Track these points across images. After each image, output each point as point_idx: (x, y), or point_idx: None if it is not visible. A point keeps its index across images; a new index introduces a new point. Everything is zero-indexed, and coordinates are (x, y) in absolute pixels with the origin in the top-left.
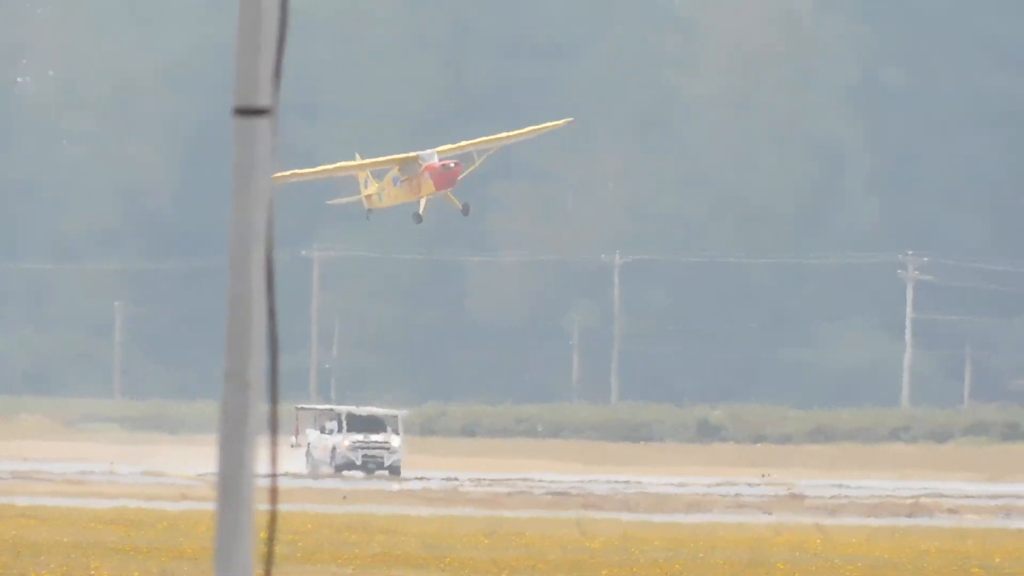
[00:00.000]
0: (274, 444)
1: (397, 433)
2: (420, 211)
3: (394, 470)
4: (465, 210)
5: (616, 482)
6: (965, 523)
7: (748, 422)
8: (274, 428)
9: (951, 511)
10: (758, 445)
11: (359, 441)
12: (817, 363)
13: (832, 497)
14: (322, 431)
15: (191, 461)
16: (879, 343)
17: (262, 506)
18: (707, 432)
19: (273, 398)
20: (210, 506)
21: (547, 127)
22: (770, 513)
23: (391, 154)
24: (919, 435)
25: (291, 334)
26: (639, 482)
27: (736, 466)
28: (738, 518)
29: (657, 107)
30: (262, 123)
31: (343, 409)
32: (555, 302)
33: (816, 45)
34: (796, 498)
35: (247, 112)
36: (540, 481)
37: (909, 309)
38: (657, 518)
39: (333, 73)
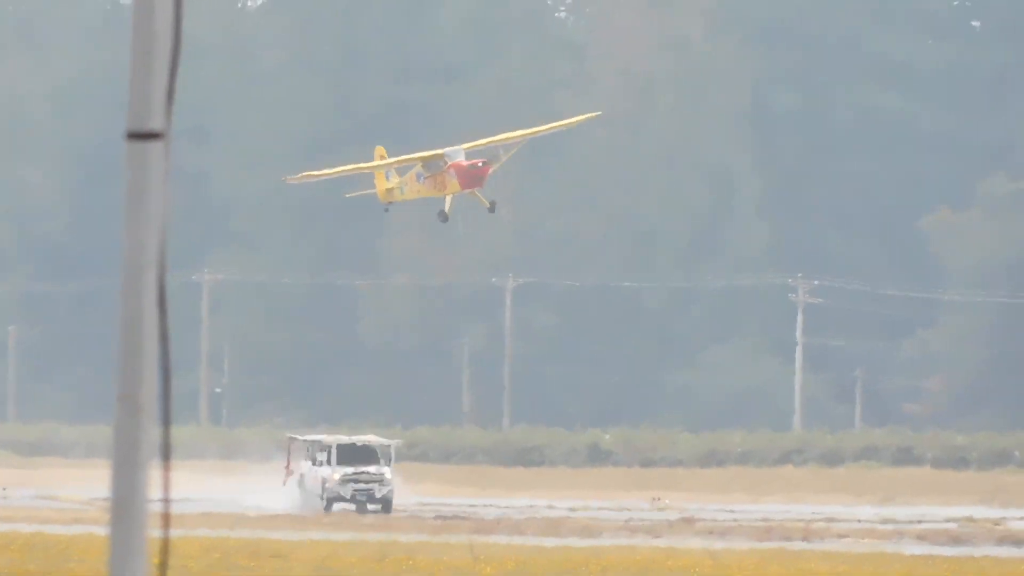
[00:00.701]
0: (167, 468)
1: (390, 464)
2: (446, 209)
3: (386, 503)
4: (492, 207)
5: (508, 506)
6: (856, 547)
7: (639, 446)
8: (166, 452)
9: (842, 535)
10: (649, 469)
11: (349, 474)
12: (708, 386)
13: (722, 521)
14: (313, 463)
15: (84, 484)
16: (770, 366)
17: (154, 530)
18: (598, 456)
19: (165, 421)
20: (103, 530)
21: (578, 120)
22: (660, 537)
23: (282, 175)
24: (810, 458)
25: (181, 358)
26: (531, 506)
27: (627, 490)
28: (629, 542)
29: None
30: (155, 147)
31: (333, 439)
32: (445, 325)
33: (706, 68)
34: (687, 522)
35: (140, 136)
36: (431, 505)
37: (799, 332)
38: (549, 542)
39: (223, 97)
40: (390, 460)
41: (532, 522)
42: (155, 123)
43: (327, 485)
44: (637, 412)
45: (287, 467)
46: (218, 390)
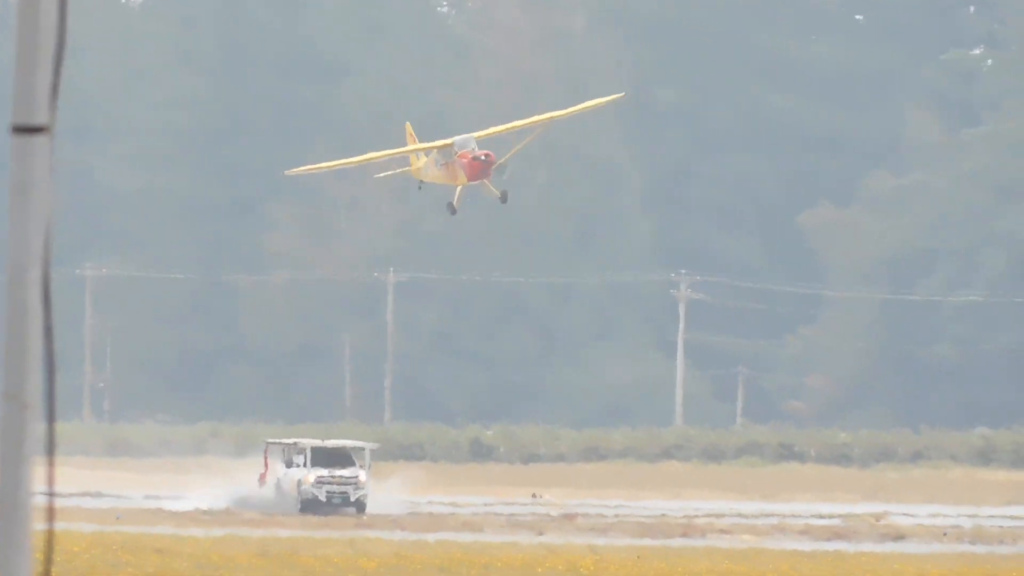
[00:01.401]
0: (51, 464)
1: (365, 467)
2: (455, 202)
3: (360, 506)
4: (504, 197)
5: (389, 502)
6: (738, 544)
7: (521, 442)
8: (51, 448)
9: (724, 531)
10: (531, 465)
11: (324, 476)
12: (590, 382)
13: (604, 517)
14: (288, 465)
15: None
16: (652, 362)
17: (39, 525)
18: (480, 452)
19: (50, 417)
20: None
21: (597, 103)
22: (543, 534)
23: (170, 172)
24: (692, 454)
25: (64, 354)
26: (413, 502)
27: (509, 486)
28: (511, 538)
29: (430, 126)
30: (40, 140)
31: (308, 443)
32: (328, 321)
33: (588, 64)
34: (569, 518)
35: (25, 130)
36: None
37: (682, 328)
38: (431, 537)
39: (107, 92)
40: (366, 463)
41: (414, 517)
42: (40, 117)
43: (302, 487)
44: (519, 408)
45: (264, 469)
46: (101, 385)
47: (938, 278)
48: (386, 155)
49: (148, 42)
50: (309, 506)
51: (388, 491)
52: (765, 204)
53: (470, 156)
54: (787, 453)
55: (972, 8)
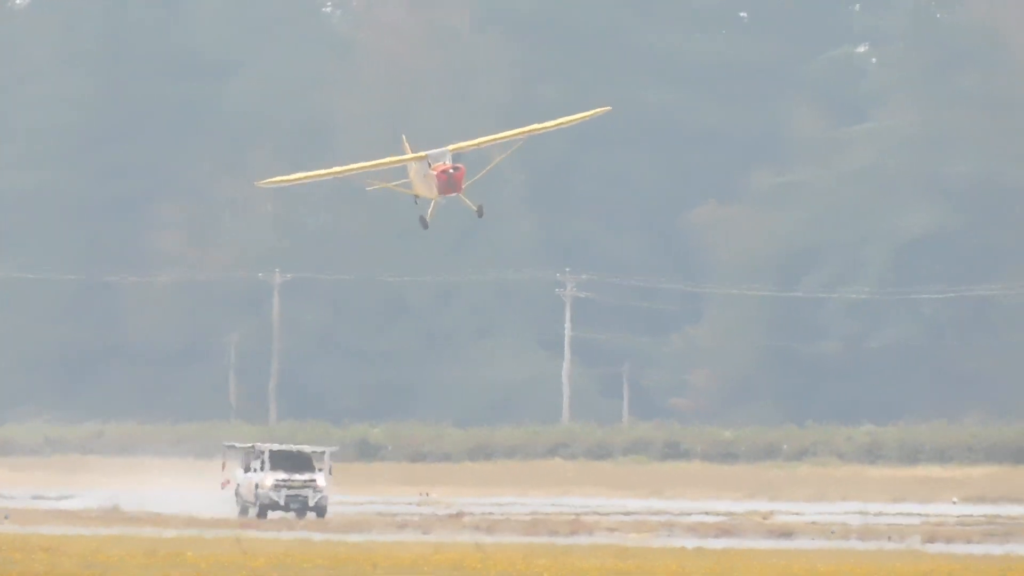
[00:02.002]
0: None
1: (324, 470)
2: (427, 215)
3: (320, 510)
4: (480, 212)
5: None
6: (625, 541)
7: (408, 440)
8: None
9: (611, 529)
10: (418, 463)
11: (282, 480)
12: (476, 381)
13: (491, 515)
14: (246, 470)
15: None
16: (538, 360)
17: None
18: (367, 451)
19: None
20: None
21: (581, 117)
22: (430, 532)
23: (54, 172)
24: (579, 452)
25: None
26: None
27: (396, 484)
28: (398, 536)
29: (314, 125)
30: None
31: (266, 447)
32: (212, 321)
33: (472, 63)
34: (455, 516)
35: None
36: (199, 501)
37: (567, 326)
38: (318, 536)
39: None
40: (327, 467)
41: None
42: None
43: (259, 491)
44: (405, 407)
45: (223, 473)
46: None
47: (823, 275)
48: (362, 168)
49: (33, 42)
50: (267, 511)
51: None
52: (649, 202)
53: (440, 170)
54: (673, 451)
55: (857, 6)
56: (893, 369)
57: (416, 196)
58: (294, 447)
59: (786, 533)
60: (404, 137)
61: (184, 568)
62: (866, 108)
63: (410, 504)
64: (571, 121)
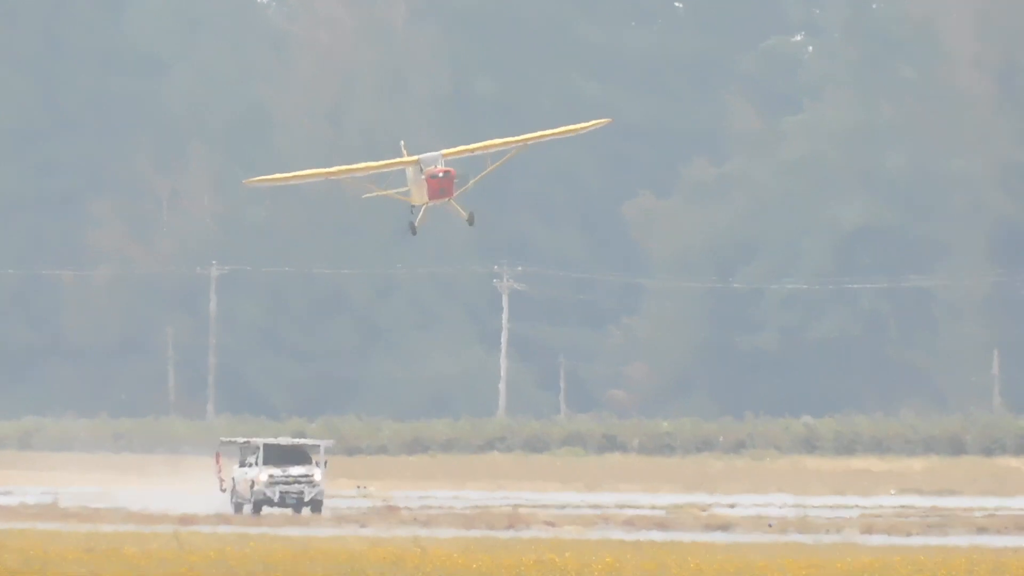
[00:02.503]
0: None
1: (320, 465)
2: (416, 221)
3: (316, 505)
4: (471, 219)
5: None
6: (563, 534)
7: (344, 434)
8: None
9: (548, 522)
10: (354, 457)
11: (276, 475)
12: (412, 374)
13: (428, 509)
14: (241, 465)
15: None
16: (474, 354)
17: None
18: None
19: None
20: None
21: (581, 127)
22: (367, 526)
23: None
24: (516, 445)
25: None
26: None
27: (332, 479)
28: (335, 531)
29: (249, 119)
30: None
31: (260, 441)
32: (150, 315)
33: (408, 56)
34: (392, 510)
35: None
36: (137, 497)
37: (504, 319)
38: (255, 531)
39: None
40: (322, 461)
41: (237, 513)
42: None
43: (254, 487)
44: (342, 401)
45: (219, 469)
46: None
47: (760, 267)
48: (351, 170)
49: None
50: (261, 507)
51: (210, 486)
52: (586, 194)
53: (429, 174)
54: (610, 443)
55: None
56: (831, 361)
57: (412, 205)
58: (290, 441)
59: (723, 526)
60: (403, 143)
61: (122, 564)
62: (802, 99)
63: (346, 498)
64: (570, 131)
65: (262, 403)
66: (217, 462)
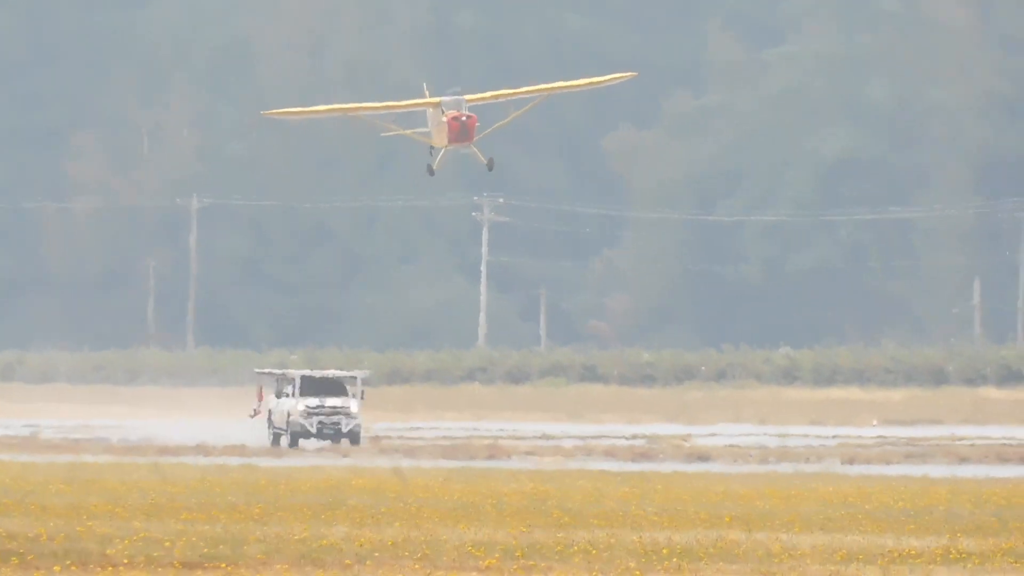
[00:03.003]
0: None
1: (356, 395)
2: (434, 164)
3: (354, 437)
4: (490, 164)
5: (194, 427)
6: (543, 464)
7: (325, 365)
8: None
9: (529, 452)
10: None
11: (313, 407)
12: (393, 306)
13: (408, 439)
14: (277, 396)
15: None
16: (455, 285)
17: None
18: None
19: None
20: None
21: (607, 79)
22: (348, 456)
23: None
24: (496, 376)
25: None
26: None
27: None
28: (315, 461)
29: (232, 52)
30: None
31: (297, 373)
32: (131, 248)
33: None
34: (374, 440)
35: None
36: (119, 427)
37: (485, 251)
38: (235, 461)
39: None
40: (359, 392)
41: (219, 444)
42: None
43: (291, 418)
44: (323, 332)
45: (258, 401)
46: None
47: (741, 199)
48: (372, 108)
49: None
50: (298, 439)
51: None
52: (568, 126)
53: (451, 117)
54: (591, 374)
55: None
56: (812, 292)
57: (431, 146)
58: (327, 372)
59: (704, 456)
60: (425, 85)
61: (103, 494)
62: (784, 31)
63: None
64: (595, 83)
65: (243, 335)
66: (259, 397)
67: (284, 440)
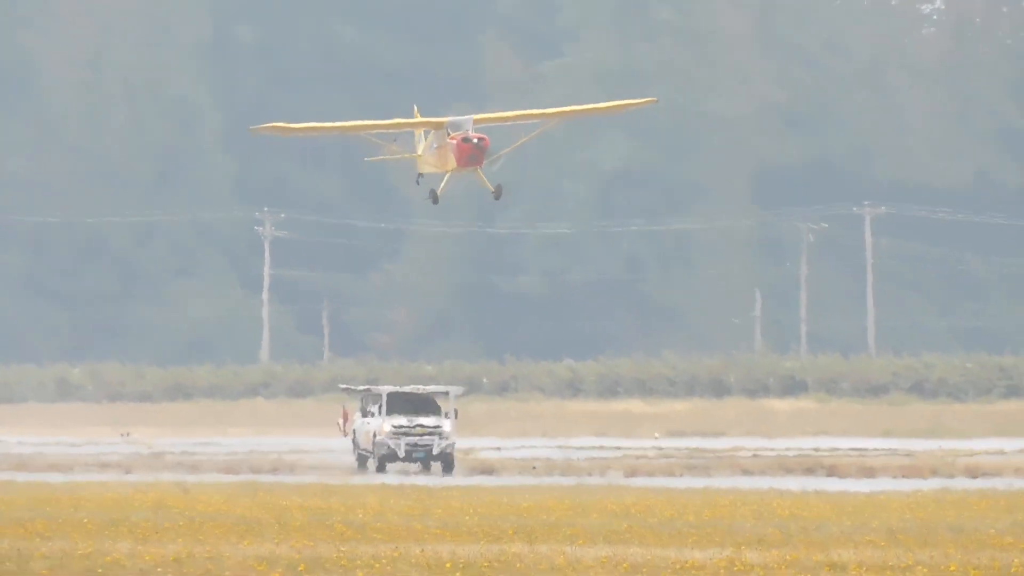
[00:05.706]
0: None
1: (449, 414)
2: (438, 190)
3: (447, 461)
4: (497, 193)
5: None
6: (328, 478)
7: (107, 380)
8: None
9: (313, 467)
10: (118, 403)
11: (402, 426)
12: (175, 320)
13: (192, 454)
14: (363, 414)
15: None
16: (237, 299)
17: None
18: (67, 391)
19: None
20: None
21: (628, 104)
22: (132, 472)
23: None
24: (279, 391)
25: None
26: (2, 442)
27: (97, 425)
28: (100, 477)
29: (11, 67)
30: None
31: (384, 389)
32: None
33: (169, 3)
34: (156, 456)
35: None
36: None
37: (267, 265)
38: (20, 478)
39: None
40: (451, 410)
41: (2, 458)
42: None
43: (377, 439)
44: (103, 347)
45: (343, 420)
46: None
47: (521, 210)
48: (367, 126)
49: None
50: (387, 460)
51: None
52: (347, 140)
53: (460, 138)
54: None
55: None
56: (593, 304)
57: (420, 174)
58: (417, 388)
59: (487, 469)
60: (416, 107)
61: None
62: (561, 43)
63: (111, 444)
64: (614, 107)
65: (24, 350)
66: (344, 419)
67: (371, 463)
